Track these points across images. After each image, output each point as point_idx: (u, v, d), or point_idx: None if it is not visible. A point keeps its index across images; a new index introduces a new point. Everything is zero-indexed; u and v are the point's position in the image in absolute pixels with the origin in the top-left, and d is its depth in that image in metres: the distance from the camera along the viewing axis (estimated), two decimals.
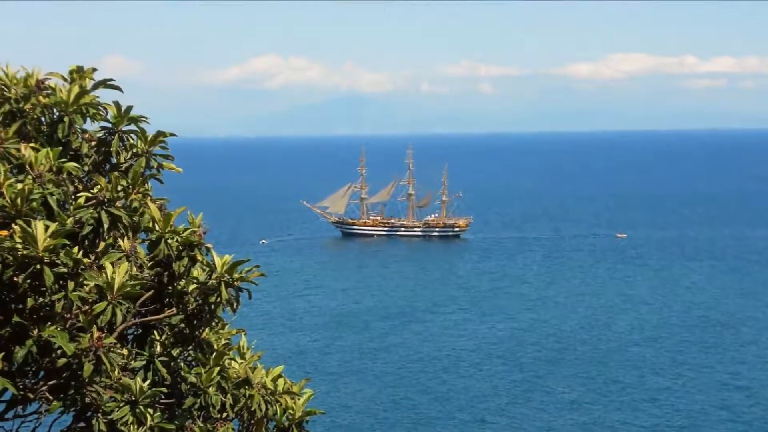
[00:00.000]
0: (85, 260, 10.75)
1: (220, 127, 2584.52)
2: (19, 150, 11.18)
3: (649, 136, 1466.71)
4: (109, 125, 11.88)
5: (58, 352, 10.62)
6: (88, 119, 11.67)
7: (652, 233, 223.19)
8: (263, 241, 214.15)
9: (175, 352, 11.77)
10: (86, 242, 11.21)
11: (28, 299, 10.47)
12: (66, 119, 11.46)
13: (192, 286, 11.87)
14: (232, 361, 12.39)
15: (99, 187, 11.37)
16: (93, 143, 11.80)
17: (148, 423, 11.15)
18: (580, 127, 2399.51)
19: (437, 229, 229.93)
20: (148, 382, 11.46)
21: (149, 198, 11.86)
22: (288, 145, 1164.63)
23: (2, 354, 10.33)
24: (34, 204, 10.74)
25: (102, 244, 11.27)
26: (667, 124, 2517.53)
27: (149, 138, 12.06)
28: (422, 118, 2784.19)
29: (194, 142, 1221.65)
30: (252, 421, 12.25)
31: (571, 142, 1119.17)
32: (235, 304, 11.93)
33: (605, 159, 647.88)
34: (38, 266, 10.37)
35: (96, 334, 10.70)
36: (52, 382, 10.89)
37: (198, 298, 11.93)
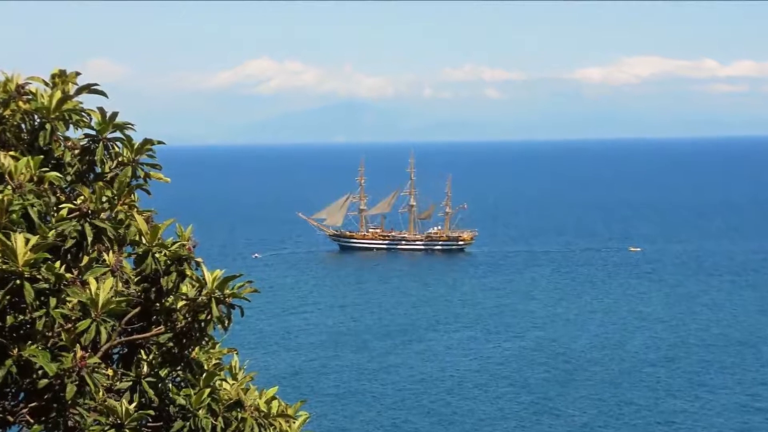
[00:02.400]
0: (68, 275, 10.74)
1: (210, 135, 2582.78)
2: None
3: (664, 143, 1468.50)
4: (94, 132, 11.90)
5: (40, 372, 10.58)
6: (71, 126, 11.66)
7: (668, 246, 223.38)
8: (256, 255, 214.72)
9: (163, 373, 11.79)
10: (69, 256, 11.22)
11: (8, 317, 10.45)
12: (48, 126, 11.47)
13: (181, 303, 11.86)
14: (224, 382, 12.39)
15: (82, 198, 11.38)
16: (76, 151, 11.82)
17: None
18: (591, 135, 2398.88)
19: (440, 243, 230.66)
20: (134, 404, 11.48)
21: (135, 209, 11.87)
22: (283, 154, 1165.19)
23: None
24: (14, 216, 10.70)
25: (86, 259, 11.29)
26: (684, 131, 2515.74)
27: (136, 146, 12.09)
28: (425, 125, 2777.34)
29: (183, 151, 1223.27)
30: None
31: (582, 150, 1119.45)
32: (226, 322, 11.94)
33: (618, 168, 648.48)
34: (18, 281, 10.36)
35: (79, 353, 10.70)
36: (33, 404, 10.88)
37: (187, 315, 11.92)
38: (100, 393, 11.09)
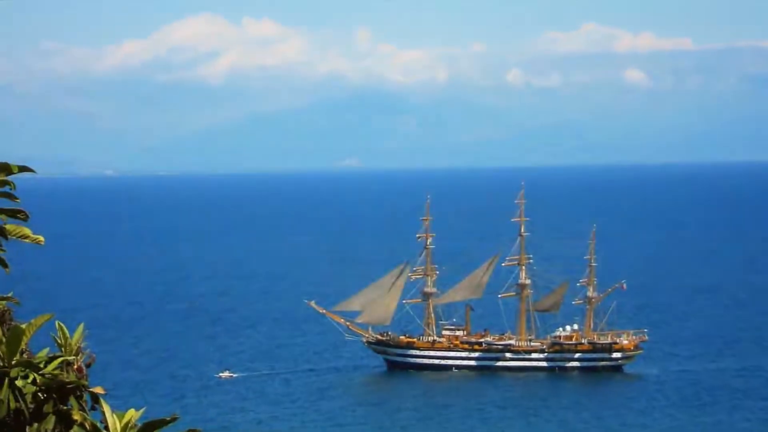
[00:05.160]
0: None
1: (112, 158, 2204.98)
2: None
3: None
4: None
5: None
6: None
7: None
8: (223, 374, 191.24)
9: None
10: None
11: None
12: None
13: None
14: None
15: None
16: None
17: None
18: None
19: (577, 355, 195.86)
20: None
21: None
22: (251, 188, 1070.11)
23: None
24: None
25: None
26: None
27: None
28: (517, 134, 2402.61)
29: (58, 183, 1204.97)
30: None
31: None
32: None
33: None
34: None
35: None
36: None
37: None
38: None
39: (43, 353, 10.13)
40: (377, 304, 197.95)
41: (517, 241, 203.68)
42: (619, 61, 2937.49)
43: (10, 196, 10.64)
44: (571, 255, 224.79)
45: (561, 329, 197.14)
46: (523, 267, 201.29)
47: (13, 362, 9.56)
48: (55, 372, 9.82)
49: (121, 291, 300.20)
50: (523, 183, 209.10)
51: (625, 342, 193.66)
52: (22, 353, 9.83)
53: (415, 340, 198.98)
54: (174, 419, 10.67)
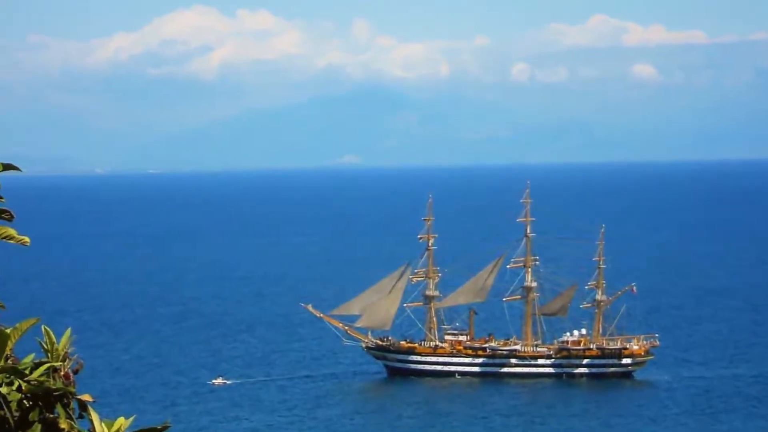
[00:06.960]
0: None
1: (102, 156, 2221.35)
2: None
3: None
4: None
5: None
6: None
7: None
8: (217, 380, 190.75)
9: None
10: None
11: None
12: None
13: None
14: None
15: None
16: None
17: None
18: None
19: (585, 361, 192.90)
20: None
21: None
22: (244, 187, 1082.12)
23: None
24: None
25: None
26: None
27: None
28: (523, 125, 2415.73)
29: (53, 183, 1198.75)
30: None
31: None
32: None
33: None
34: None
35: None
36: None
37: None
38: None
39: (29, 359, 9.92)
40: (377, 307, 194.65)
41: (523, 242, 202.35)
42: (627, 55, 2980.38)
43: None
44: (579, 256, 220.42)
45: (568, 334, 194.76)
46: (529, 269, 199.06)
47: None
48: (41, 378, 9.66)
49: (111, 294, 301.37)
50: (528, 182, 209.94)
51: (636, 347, 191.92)
52: (6, 359, 9.71)
53: (416, 345, 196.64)
54: (165, 427, 10.53)
